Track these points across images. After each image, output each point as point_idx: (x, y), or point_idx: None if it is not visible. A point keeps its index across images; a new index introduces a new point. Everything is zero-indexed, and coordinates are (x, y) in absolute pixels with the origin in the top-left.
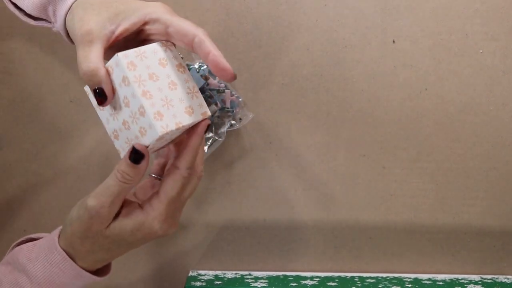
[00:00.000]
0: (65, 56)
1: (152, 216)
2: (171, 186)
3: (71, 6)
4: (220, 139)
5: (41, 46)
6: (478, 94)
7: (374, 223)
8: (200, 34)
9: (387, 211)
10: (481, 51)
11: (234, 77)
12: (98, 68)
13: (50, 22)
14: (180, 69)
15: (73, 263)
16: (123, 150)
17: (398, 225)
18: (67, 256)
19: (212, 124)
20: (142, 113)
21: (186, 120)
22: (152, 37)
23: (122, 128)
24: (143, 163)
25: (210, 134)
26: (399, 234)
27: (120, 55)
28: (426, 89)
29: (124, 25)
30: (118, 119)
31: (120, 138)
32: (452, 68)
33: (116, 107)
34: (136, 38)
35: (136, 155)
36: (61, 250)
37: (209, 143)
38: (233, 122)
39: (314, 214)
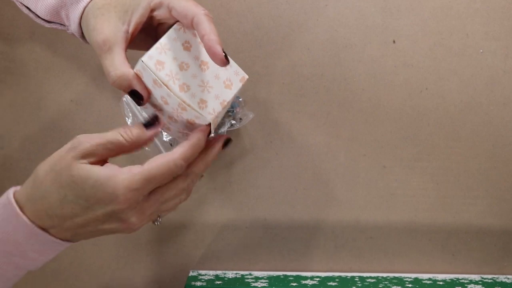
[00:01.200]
0: (65, 56)
1: (123, 176)
2: (158, 163)
3: (83, 11)
4: None
5: (41, 46)
6: (479, 93)
7: (375, 222)
8: (199, 14)
9: (388, 210)
10: (481, 50)
11: (224, 62)
12: (124, 72)
13: (64, 25)
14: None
15: (24, 218)
16: (178, 139)
17: (399, 225)
18: (18, 211)
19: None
20: (184, 108)
21: (229, 95)
22: (164, 21)
23: (170, 121)
24: (151, 132)
25: (211, 135)
26: (400, 234)
27: (144, 59)
28: (426, 89)
29: (135, 21)
30: (163, 115)
31: (172, 130)
32: (452, 67)
33: (157, 105)
34: (150, 25)
35: (151, 121)
36: (14, 203)
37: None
38: (233, 122)
39: (315, 214)
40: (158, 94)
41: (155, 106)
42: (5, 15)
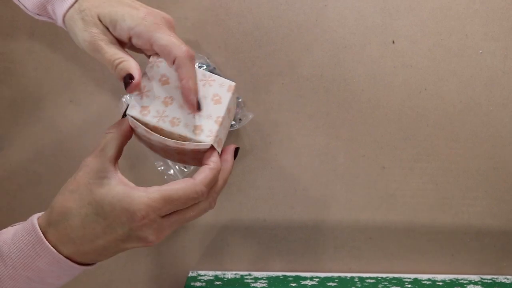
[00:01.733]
0: (65, 56)
1: (140, 193)
2: (178, 186)
3: (67, 11)
4: None
5: (41, 46)
6: (478, 94)
7: (374, 223)
8: (180, 58)
9: (387, 211)
10: (480, 51)
11: (194, 111)
12: (122, 61)
13: (52, 19)
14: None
15: (48, 245)
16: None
17: (398, 225)
18: (42, 237)
19: None
20: (184, 140)
21: (221, 110)
22: (143, 49)
23: (181, 157)
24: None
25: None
26: (399, 234)
27: (129, 111)
28: (426, 89)
29: (117, 35)
30: (172, 153)
31: (188, 161)
32: (451, 68)
33: (162, 148)
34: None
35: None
36: (38, 229)
37: None
38: (233, 122)
39: (314, 215)
40: (155, 139)
41: (161, 150)
42: (5, 15)
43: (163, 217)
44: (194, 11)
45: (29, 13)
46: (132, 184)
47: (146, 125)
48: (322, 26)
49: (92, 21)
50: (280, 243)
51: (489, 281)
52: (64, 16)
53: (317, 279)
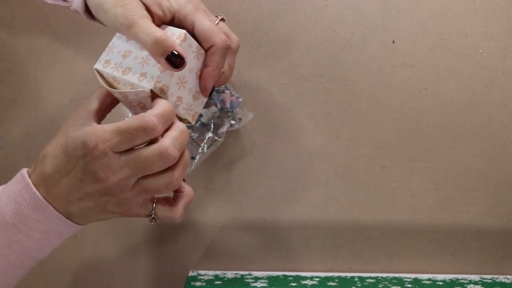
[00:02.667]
0: (65, 56)
1: (96, 127)
2: (130, 119)
3: None
4: (220, 139)
5: (41, 46)
6: (478, 94)
7: (374, 223)
8: (217, 45)
9: (387, 211)
10: (480, 51)
11: (207, 97)
12: (162, 35)
13: (67, 1)
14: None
15: (33, 188)
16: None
17: (398, 225)
18: (29, 182)
19: (212, 124)
20: (133, 88)
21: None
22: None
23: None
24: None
25: (210, 134)
26: (399, 234)
27: (95, 65)
28: (426, 89)
29: (158, 16)
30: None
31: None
32: (452, 68)
33: (128, 103)
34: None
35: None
36: (26, 176)
37: (208, 144)
38: (233, 122)
39: (314, 214)
40: (113, 92)
41: (128, 105)
42: (5, 15)
43: (116, 153)
44: None
45: None
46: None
47: (106, 78)
48: (322, 26)
49: None
50: (280, 243)
51: (489, 281)
52: None
53: (317, 279)
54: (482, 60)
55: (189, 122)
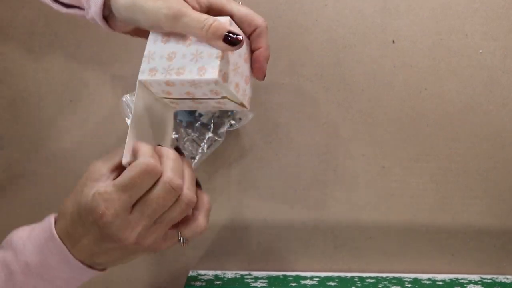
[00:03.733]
0: (65, 56)
1: (99, 189)
2: (128, 169)
3: None
4: (219, 139)
5: (41, 46)
6: (478, 94)
7: (374, 223)
8: (262, 27)
9: (387, 211)
10: (480, 51)
11: (262, 78)
12: (215, 19)
13: (83, 9)
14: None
15: (60, 241)
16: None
17: (398, 225)
18: (55, 234)
19: (212, 124)
20: (194, 86)
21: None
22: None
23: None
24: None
25: (210, 134)
26: (399, 234)
27: (139, 77)
28: (426, 89)
29: (193, 7)
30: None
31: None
32: (451, 68)
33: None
34: None
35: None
36: (53, 227)
37: (208, 143)
38: (232, 122)
39: (314, 214)
40: (177, 90)
41: (191, 102)
42: (4, 15)
43: (127, 209)
44: None
45: (55, 7)
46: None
47: (153, 87)
48: (322, 26)
49: None
50: (280, 243)
51: (489, 281)
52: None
53: (317, 279)
54: (482, 60)
55: (245, 106)
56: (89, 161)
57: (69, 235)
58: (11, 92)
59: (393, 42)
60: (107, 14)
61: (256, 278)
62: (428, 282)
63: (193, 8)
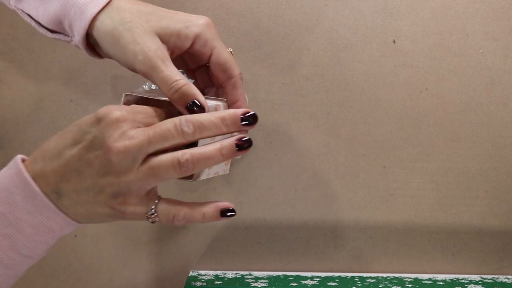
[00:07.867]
0: (65, 56)
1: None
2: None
3: (90, 24)
4: None
5: (41, 46)
6: (479, 94)
7: (374, 223)
8: (237, 78)
9: (387, 211)
10: (481, 50)
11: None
12: (186, 83)
13: (68, 36)
14: None
15: (27, 175)
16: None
17: (399, 225)
18: (21, 168)
19: None
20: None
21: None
22: (196, 55)
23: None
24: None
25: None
26: (400, 234)
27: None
28: (426, 89)
29: (177, 45)
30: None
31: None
32: (452, 68)
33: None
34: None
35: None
36: (19, 162)
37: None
38: None
39: (314, 214)
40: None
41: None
42: (5, 15)
43: (137, 124)
44: (195, 11)
45: (40, 30)
46: None
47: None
48: (322, 26)
49: (145, 33)
50: (280, 243)
51: (489, 281)
52: (85, 30)
53: (317, 279)
54: (483, 60)
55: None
56: None
57: (44, 154)
58: (11, 92)
59: (394, 42)
60: (93, 42)
61: (257, 278)
62: (428, 282)
63: (175, 46)
